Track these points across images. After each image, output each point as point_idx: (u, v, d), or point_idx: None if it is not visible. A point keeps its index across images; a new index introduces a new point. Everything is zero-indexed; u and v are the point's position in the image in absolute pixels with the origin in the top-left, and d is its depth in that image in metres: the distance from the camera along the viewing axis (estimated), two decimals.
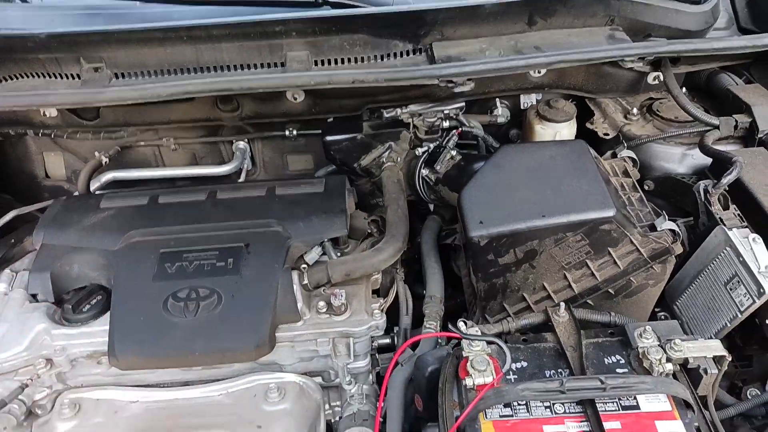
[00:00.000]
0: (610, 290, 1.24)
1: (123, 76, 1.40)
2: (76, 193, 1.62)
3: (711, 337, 1.23)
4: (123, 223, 1.32)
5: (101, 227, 1.32)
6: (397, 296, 1.35)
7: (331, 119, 1.59)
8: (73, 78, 1.40)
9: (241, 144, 1.74)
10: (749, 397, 1.32)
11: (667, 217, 1.20)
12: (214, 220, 1.32)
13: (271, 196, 1.36)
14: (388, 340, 1.35)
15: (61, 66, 1.40)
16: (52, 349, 1.18)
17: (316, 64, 1.41)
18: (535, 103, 1.66)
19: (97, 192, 1.62)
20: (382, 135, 1.46)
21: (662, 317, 1.41)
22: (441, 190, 1.41)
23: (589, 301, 1.26)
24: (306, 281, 1.22)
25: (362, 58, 1.42)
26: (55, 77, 1.41)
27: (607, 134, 1.52)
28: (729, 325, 1.18)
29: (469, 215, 1.19)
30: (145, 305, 1.18)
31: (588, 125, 1.55)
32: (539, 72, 1.50)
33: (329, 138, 1.47)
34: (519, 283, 1.25)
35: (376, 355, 1.28)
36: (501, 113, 1.66)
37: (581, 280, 1.23)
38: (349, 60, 1.42)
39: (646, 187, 1.45)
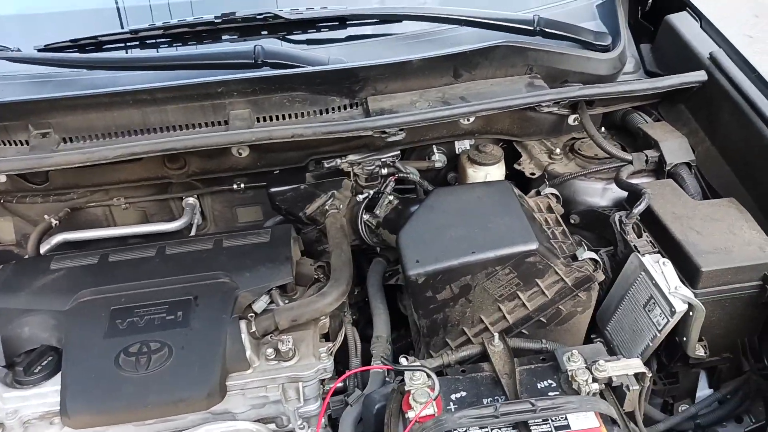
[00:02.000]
0: (542, 319, 1.32)
1: (71, 140, 1.46)
2: (26, 257, 1.64)
3: (638, 358, 1.32)
4: (73, 284, 1.35)
5: (51, 288, 1.35)
6: (345, 339, 1.41)
7: (276, 171, 1.66)
8: (22, 144, 1.45)
9: (191, 200, 1.79)
10: (680, 413, 1.42)
11: (587, 247, 1.30)
12: (163, 275, 1.36)
13: (218, 248, 1.42)
14: (340, 384, 1.40)
15: (9, 133, 1.44)
16: (3, 413, 1.20)
17: (258, 120, 1.49)
18: (468, 147, 1.77)
19: (47, 254, 1.64)
20: (324, 184, 1.54)
21: (597, 342, 1.50)
22: (382, 233, 1.49)
23: (525, 331, 1.34)
24: (254, 329, 1.27)
25: (302, 114, 1.51)
26: (4, 144, 1.45)
27: (533, 174, 1.63)
28: (651, 344, 1.28)
29: (407, 255, 1.27)
30: (97, 363, 1.21)
31: (516, 166, 1.66)
32: (468, 120, 1.62)
33: (273, 189, 1.54)
34: (458, 318, 1.32)
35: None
36: (438, 158, 1.76)
37: (514, 311, 1.31)
38: (289, 116, 1.50)
39: (572, 221, 1.56)
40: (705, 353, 1.28)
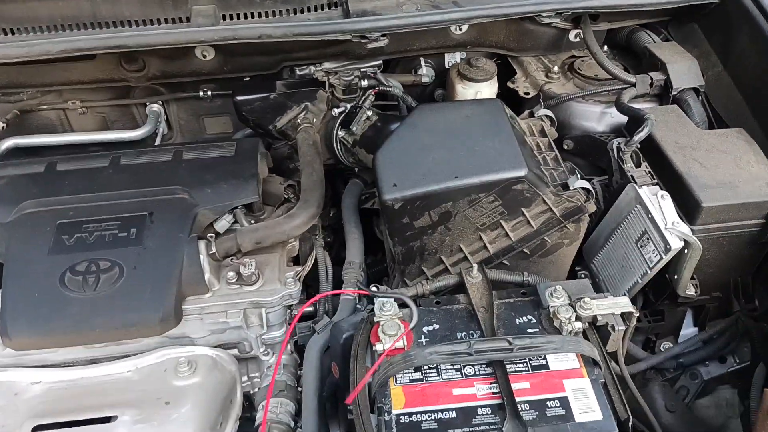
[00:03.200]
0: (525, 250, 1.23)
1: (12, 31, 1.29)
2: None
3: (625, 294, 1.24)
4: (16, 193, 1.23)
5: None
6: (316, 263, 1.32)
7: (247, 78, 1.51)
8: None
9: (155, 107, 1.65)
10: (662, 351, 1.36)
11: (580, 175, 1.19)
12: (116, 187, 1.24)
13: (178, 161, 1.29)
14: (310, 308, 1.32)
15: None
16: None
17: (224, 18, 1.33)
18: (458, 60, 1.62)
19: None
20: (297, 94, 1.39)
21: (582, 276, 1.42)
22: (358, 153, 1.37)
23: (506, 262, 1.25)
24: (214, 250, 1.17)
25: (273, 12, 1.34)
26: None
27: (527, 93, 1.50)
28: (640, 282, 1.20)
29: (384, 178, 1.16)
30: (40, 281, 1.11)
31: (509, 84, 1.53)
32: (460, 28, 1.47)
33: (240, 98, 1.39)
34: (436, 246, 1.23)
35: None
36: (425, 73, 1.62)
37: (496, 240, 1.22)
38: (259, 14, 1.34)
39: (565, 147, 1.44)
40: (696, 293, 1.21)
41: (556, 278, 1.33)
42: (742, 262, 1.23)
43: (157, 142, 1.64)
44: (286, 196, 1.35)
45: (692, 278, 1.22)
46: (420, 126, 1.23)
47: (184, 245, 1.14)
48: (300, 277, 1.26)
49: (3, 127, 1.52)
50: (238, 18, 1.33)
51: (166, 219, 1.18)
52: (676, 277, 1.19)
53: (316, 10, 1.36)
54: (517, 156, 1.16)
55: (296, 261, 1.34)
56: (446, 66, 1.64)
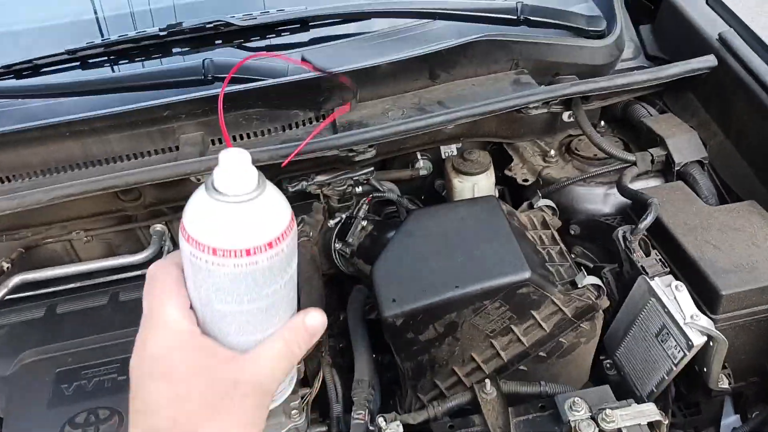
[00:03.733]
0: (541, 353, 1.17)
1: (8, 179, 1.31)
2: None
3: (653, 391, 1.16)
4: (16, 343, 1.22)
5: None
6: (324, 383, 1.26)
7: None
8: None
9: (158, 227, 1.64)
10: None
11: (586, 272, 1.13)
12: (115, 327, 1.22)
13: None
14: (324, 428, 1.26)
15: None
16: None
17: (213, 143, 1.34)
18: (455, 152, 1.61)
19: (6, 298, 1.51)
20: (293, 209, 1.38)
21: (607, 365, 1.34)
22: (357, 263, 1.34)
23: (523, 367, 1.19)
24: None
25: (262, 132, 1.35)
26: None
27: (526, 180, 1.46)
28: (667, 378, 1.12)
29: (382, 293, 1.12)
30: None
31: (507, 172, 1.50)
32: (451, 126, 1.45)
33: None
34: (446, 357, 1.17)
35: None
36: (423, 166, 1.60)
37: (509, 346, 1.16)
38: (248, 135, 1.35)
39: (572, 232, 1.39)
40: (729, 384, 1.12)
41: (578, 378, 1.26)
42: None
43: None
44: None
45: (724, 367, 1.13)
46: (415, 234, 1.19)
47: None
48: (307, 401, 1.21)
49: (8, 267, 1.53)
50: (221, 142, 1.33)
51: None
52: (705, 370, 1.11)
53: (304, 124, 1.36)
54: (518, 258, 1.11)
55: (304, 381, 1.29)
56: (443, 156, 1.62)
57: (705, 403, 1.24)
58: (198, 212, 0.58)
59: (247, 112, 1.32)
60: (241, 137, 1.34)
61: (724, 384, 1.11)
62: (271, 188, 0.60)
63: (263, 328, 0.64)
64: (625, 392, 1.23)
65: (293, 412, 1.13)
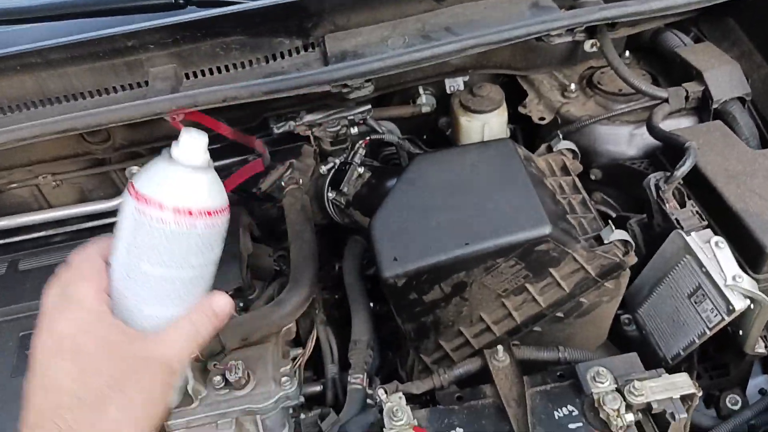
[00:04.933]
0: (558, 314, 1.05)
1: None
2: None
3: (679, 353, 1.06)
4: None
5: None
6: (318, 343, 1.16)
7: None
8: None
9: (135, 169, 1.50)
10: (729, 405, 1.17)
11: (614, 227, 1.00)
12: None
13: None
14: (318, 388, 1.17)
15: None
16: None
17: (187, 77, 1.18)
18: (461, 86, 1.44)
19: None
20: (279, 152, 1.23)
21: (625, 321, 1.24)
22: (354, 214, 1.20)
23: (537, 328, 1.07)
24: (196, 352, 1.01)
25: (242, 64, 1.18)
26: None
27: (543, 118, 1.31)
28: (697, 341, 1.01)
29: (382, 251, 0.99)
30: (4, 409, 0.97)
31: (521, 109, 1.34)
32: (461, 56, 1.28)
33: (214, 164, 1.23)
34: (452, 318, 1.06)
35: (300, 418, 1.10)
36: (425, 102, 1.43)
37: (522, 306, 1.04)
38: (226, 68, 1.18)
39: (593, 177, 1.25)
40: (766, 346, 1.01)
41: (596, 338, 1.15)
42: None
43: None
44: (278, 268, 1.19)
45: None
46: (419, 182, 1.05)
47: None
48: (300, 364, 1.11)
49: None
50: (203, 75, 1.17)
51: None
52: (741, 333, 1.00)
53: (290, 54, 1.20)
54: (537, 210, 0.98)
55: (296, 341, 1.19)
56: (448, 91, 1.46)
57: (734, 364, 1.14)
58: (151, 173, 0.66)
59: (225, 41, 1.15)
60: (219, 70, 1.18)
61: (761, 348, 1.00)
62: (215, 173, 0.69)
63: (178, 303, 0.68)
64: (644, 351, 1.13)
65: (283, 379, 1.02)
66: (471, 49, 1.10)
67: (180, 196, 0.64)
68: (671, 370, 1.09)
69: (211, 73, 1.17)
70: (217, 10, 1.12)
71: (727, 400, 1.17)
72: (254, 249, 1.17)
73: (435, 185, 1.04)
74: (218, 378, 1.00)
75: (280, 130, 1.19)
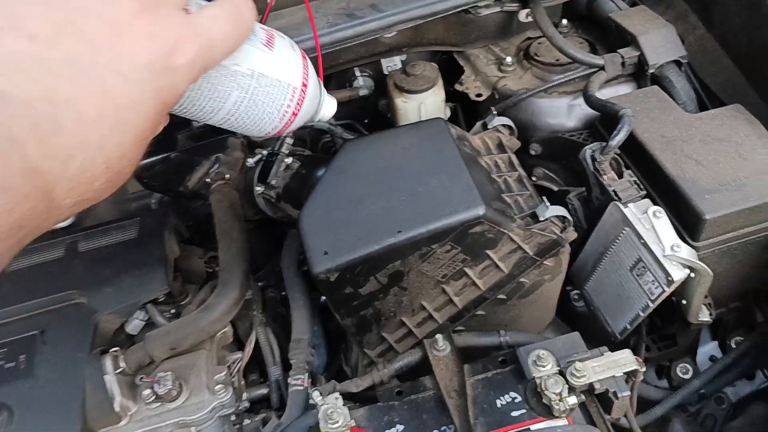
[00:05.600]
0: (501, 296, 1.02)
1: None
2: None
3: (626, 328, 1.03)
4: None
5: None
6: (258, 345, 1.11)
7: None
8: None
9: None
10: (680, 375, 1.16)
11: (548, 202, 0.97)
12: (3, 302, 1.03)
13: (72, 255, 1.07)
14: (264, 390, 1.12)
15: None
16: None
17: None
18: (399, 65, 1.39)
19: None
20: (203, 147, 1.16)
21: (575, 297, 1.22)
22: (285, 208, 1.15)
23: (481, 311, 1.04)
24: (123, 366, 0.96)
25: None
26: None
27: (480, 95, 1.26)
28: (642, 314, 0.99)
29: (312, 245, 0.94)
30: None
31: (458, 87, 1.29)
32: (389, 33, 1.23)
33: None
34: (393, 309, 1.02)
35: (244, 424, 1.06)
36: (362, 84, 1.38)
37: (463, 291, 1.01)
38: None
39: (532, 152, 1.22)
40: (711, 315, 1.00)
41: (543, 317, 1.13)
42: (762, 268, 1.02)
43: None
44: (210, 270, 1.14)
45: (704, 296, 1.00)
46: (349, 170, 1.00)
47: (85, 367, 0.94)
48: (239, 368, 1.06)
49: None
50: None
51: (62, 335, 0.97)
52: (684, 302, 0.98)
53: None
54: (470, 191, 0.93)
55: (239, 343, 1.14)
56: (385, 71, 1.41)
57: (681, 334, 1.12)
58: None
59: None
60: None
61: (705, 317, 0.99)
62: None
63: None
64: (594, 326, 1.11)
65: (218, 387, 0.97)
66: (396, 26, 1.05)
67: None
68: (620, 345, 1.08)
69: None
70: None
71: (678, 369, 1.17)
72: (183, 251, 1.12)
73: (365, 172, 0.99)
74: (147, 392, 0.95)
75: (201, 123, 1.13)
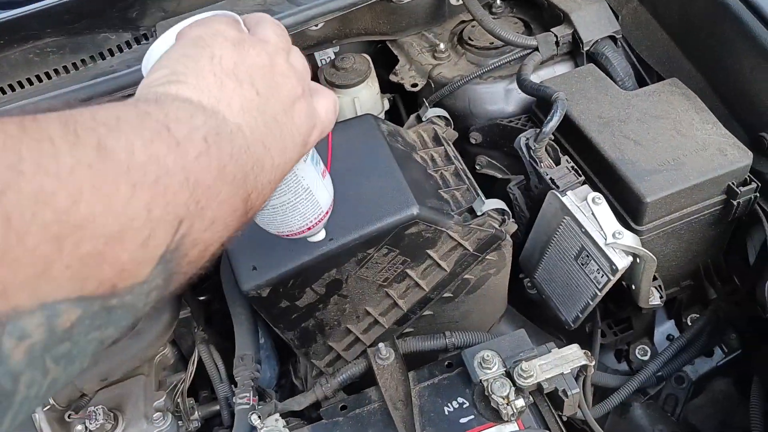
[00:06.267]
0: (447, 294, 0.98)
1: None
2: None
3: (578, 316, 1.00)
4: None
5: None
6: (202, 363, 1.06)
7: None
8: None
9: None
10: (638, 357, 1.14)
11: (483, 196, 0.93)
12: None
13: None
14: (216, 407, 1.07)
15: None
16: None
17: (2, 91, 1.03)
18: (332, 57, 1.33)
19: None
20: None
21: (528, 285, 1.19)
22: None
23: (429, 311, 1.00)
24: (52, 402, 0.90)
25: (65, 68, 1.04)
26: None
27: (415, 85, 1.21)
28: (591, 303, 0.96)
29: (239, 260, 0.89)
30: None
31: (392, 77, 1.24)
32: (316, 26, 1.17)
33: None
34: (336, 317, 0.97)
35: None
36: None
37: (407, 293, 0.97)
38: (47, 75, 1.03)
39: (473, 140, 1.17)
40: (661, 298, 0.97)
41: (494, 310, 1.10)
42: (709, 245, 1.00)
43: None
44: None
45: (654, 279, 0.98)
46: None
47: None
48: (181, 390, 1.01)
49: None
50: (21, 86, 1.02)
51: None
52: (633, 288, 0.95)
53: (120, 50, 1.06)
54: (402, 191, 0.89)
55: (178, 364, 1.09)
56: (319, 65, 1.35)
57: (636, 317, 1.10)
58: None
59: (38, 45, 1.01)
60: (39, 79, 1.03)
61: (656, 300, 0.96)
62: None
63: None
64: (549, 314, 1.08)
65: (156, 415, 0.92)
66: (313, 20, 0.99)
67: None
68: (575, 331, 1.06)
69: (30, 83, 1.03)
70: (18, 10, 0.97)
71: (636, 351, 1.15)
72: None
73: None
74: (79, 428, 0.89)
75: None
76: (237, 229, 0.47)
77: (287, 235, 0.75)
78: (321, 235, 0.78)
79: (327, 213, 0.75)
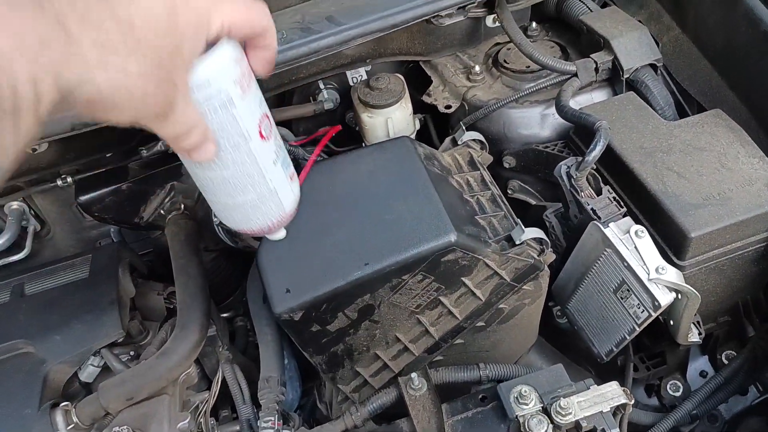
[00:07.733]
0: (479, 323, 0.96)
1: None
2: None
3: (612, 350, 0.98)
4: None
5: None
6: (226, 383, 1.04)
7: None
8: None
9: (14, 205, 1.34)
10: (670, 392, 1.11)
11: (522, 225, 0.91)
12: None
13: (17, 299, 1.00)
14: (236, 427, 1.05)
15: None
16: None
17: None
18: (365, 76, 1.32)
19: None
20: (156, 175, 1.09)
21: (557, 313, 1.16)
22: (246, 238, 1.08)
23: (460, 340, 0.98)
24: (76, 420, 0.89)
25: None
26: None
27: (449, 106, 1.20)
28: (628, 337, 0.93)
29: (272, 282, 0.87)
30: None
31: (426, 99, 1.23)
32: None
33: (83, 198, 1.09)
34: (365, 343, 0.95)
35: None
36: (327, 97, 1.32)
37: (439, 321, 0.95)
38: None
39: (506, 165, 1.16)
40: (700, 335, 0.94)
41: (525, 341, 1.07)
42: (751, 281, 0.97)
43: (29, 242, 1.34)
44: (170, 306, 1.07)
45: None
46: (310, 198, 0.93)
47: (33, 424, 0.86)
48: (205, 411, 1.00)
49: None
50: None
51: (7, 390, 0.90)
52: (672, 323, 0.92)
53: None
54: (440, 217, 0.87)
55: (208, 380, 1.07)
56: (351, 83, 1.34)
57: (670, 352, 1.07)
58: None
59: None
60: None
61: (695, 337, 0.94)
62: None
63: None
64: (580, 344, 1.06)
65: None
66: (354, 41, 0.98)
67: None
68: (607, 365, 1.03)
69: None
70: None
71: (668, 387, 1.12)
72: (141, 287, 1.04)
73: (328, 200, 0.92)
74: None
75: (150, 152, 1.05)
76: None
77: (247, 233, 0.77)
78: (281, 235, 0.80)
79: (291, 215, 0.77)
